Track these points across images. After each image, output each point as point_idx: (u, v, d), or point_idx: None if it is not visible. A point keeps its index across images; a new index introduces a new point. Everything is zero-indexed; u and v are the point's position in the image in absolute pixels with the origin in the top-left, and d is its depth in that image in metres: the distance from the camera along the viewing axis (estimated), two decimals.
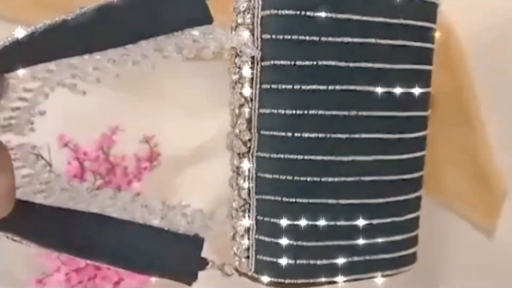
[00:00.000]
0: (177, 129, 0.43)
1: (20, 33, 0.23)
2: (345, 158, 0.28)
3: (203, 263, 0.30)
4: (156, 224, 0.29)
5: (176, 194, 0.42)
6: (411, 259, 0.32)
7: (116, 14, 0.25)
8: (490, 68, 0.43)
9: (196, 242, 0.30)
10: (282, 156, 0.28)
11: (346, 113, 0.28)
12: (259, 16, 0.27)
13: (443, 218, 0.47)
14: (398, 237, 0.31)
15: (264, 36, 0.27)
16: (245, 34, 0.28)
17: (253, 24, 0.28)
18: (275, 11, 0.27)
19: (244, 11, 0.28)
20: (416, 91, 0.30)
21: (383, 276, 0.31)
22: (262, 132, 0.28)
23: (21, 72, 0.24)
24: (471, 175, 0.45)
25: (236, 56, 0.29)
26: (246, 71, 0.28)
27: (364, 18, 0.28)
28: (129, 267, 0.29)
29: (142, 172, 0.44)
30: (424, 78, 0.30)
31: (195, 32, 0.27)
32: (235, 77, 0.29)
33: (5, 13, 0.42)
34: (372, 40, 0.28)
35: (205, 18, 0.27)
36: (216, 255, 0.31)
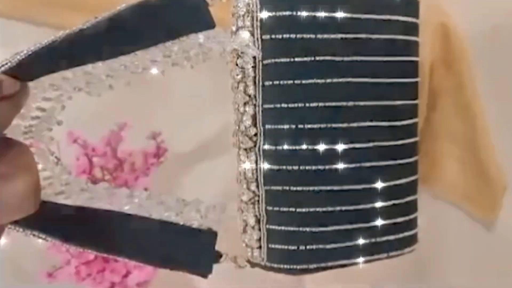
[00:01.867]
0: (183, 126, 0.44)
1: (42, 42, 0.25)
2: (345, 146, 0.30)
3: (217, 256, 0.31)
4: (172, 219, 0.30)
5: (182, 189, 0.43)
6: (413, 240, 0.34)
7: (126, 22, 0.27)
8: (490, 66, 0.45)
9: (210, 235, 0.31)
10: (287, 147, 0.30)
11: (344, 103, 0.30)
12: (258, 19, 0.30)
13: (443, 211, 0.49)
14: (400, 219, 0.32)
15: (264, 37, 0.29)
16: (246, 36, 0.30)
17: (253, 26, 0.30)
18: (273, 13, 0.29)
19: (243, 15, 0.30)
20: (406, 81, 0.32)
21: (389, 257, 0.32)
22: (267, 126, 0.30)
23: (41, 79, 0.26)
24: (472, 169, 0.47)
25: (238, 58, 0.31)
26: (249, 71, 0.30)
27: (356, 15, 0.30)
28: (146, 261, 0.30)
29: (150, 168, 0.44)
30: (412, 69, 0.33)
31: (200, 36, 0.29)
32: (238, 77, 0.31)
33: (11, 11, 0.43)
34: (364, 36, 0.30)
35: (208, 23, 0.29)
36: (227, 249, 0.32)
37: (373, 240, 0.32)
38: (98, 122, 0.44)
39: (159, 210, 0.30)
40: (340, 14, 0.29)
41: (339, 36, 0.30)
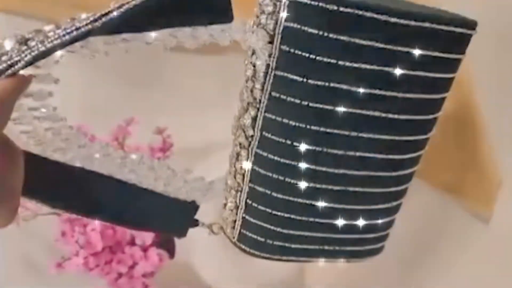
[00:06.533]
0: (189, 122, 0.44)
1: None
2: (336, 171, 0.30)
3: (194, 223, 0.34)
4: (160, 190, 0.32)
5: None
6: (378, 251, 0.36)
7: (142, 11, 0.25)
8: (487, 65, 0.42)
9: (192, 207, 0.33)
10: (278, 159, 0.30)
11: (347, 133, 0.29)
12: (282, 25, 0.27)
13: (441, 207, 0.49)
14: (370, 235, 0.34)
15: (282, 47, 0.27)
16: (264, 40, 0.27)
17: (274, 30, 0.27)
18: (298, 26, 0.26)
19: (268, 14, 0.27)
20: (423, 117, 0.30)
21: (348, 262, 0.35)
22: (264, 133, 0.30)
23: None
24: (468, 164, 0.47)
25: (253, 54, 0.28)
26: (260, 75, 0.28)
27: (388, 46, 0.27)
28: (128, 224, 0.32)
29: None
30: (436, 106, 0.30)
31: (214, 28, 0.27)
32: (249, 73, 0.29)
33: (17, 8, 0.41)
34: (390, 69, 0.27)
35: (226, 17, 0.27)
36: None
37: (336, 248, 0.34)
38: (106, 117, 0.43)
39: (149, 178, 0.32)
40: (369, 43, 0.26)
41: (363, 66, 0.27)
